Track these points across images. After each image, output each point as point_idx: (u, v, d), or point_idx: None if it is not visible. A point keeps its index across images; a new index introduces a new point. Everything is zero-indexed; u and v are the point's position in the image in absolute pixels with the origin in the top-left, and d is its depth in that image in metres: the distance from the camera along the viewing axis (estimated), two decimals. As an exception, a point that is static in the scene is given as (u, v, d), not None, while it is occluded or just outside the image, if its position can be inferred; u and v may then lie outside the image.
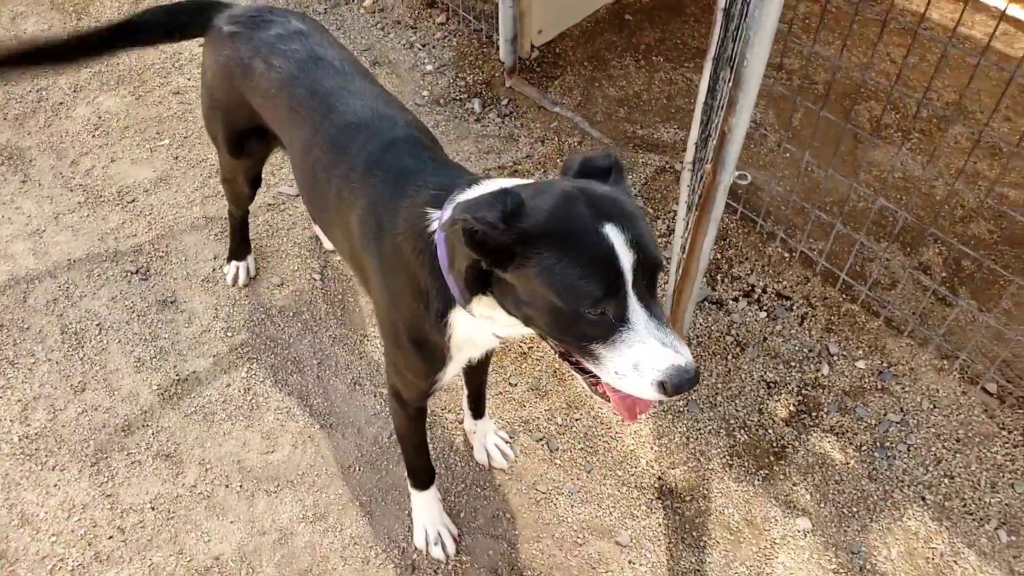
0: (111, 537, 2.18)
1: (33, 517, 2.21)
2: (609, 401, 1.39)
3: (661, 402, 2.41)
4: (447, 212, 1.43)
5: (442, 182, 1.54)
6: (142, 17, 2.08)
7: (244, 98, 2.00)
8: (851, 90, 3.23)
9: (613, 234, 1.23)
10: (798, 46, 3.28)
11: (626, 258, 1.23)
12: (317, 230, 2.81)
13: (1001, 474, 2.30)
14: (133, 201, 2.95)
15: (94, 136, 3.17)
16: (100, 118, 3.23)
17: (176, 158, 3.10)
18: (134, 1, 3.74)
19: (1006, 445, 2.35)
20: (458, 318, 1.52)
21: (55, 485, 2.27)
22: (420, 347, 1.63)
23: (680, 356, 1.24)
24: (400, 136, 1.74)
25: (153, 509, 2.23)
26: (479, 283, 1.35)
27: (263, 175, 2.42)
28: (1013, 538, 2.19)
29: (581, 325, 1.26)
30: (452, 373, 1.73)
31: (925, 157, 3.00)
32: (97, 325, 2.61)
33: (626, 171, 1.50)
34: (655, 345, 1.24)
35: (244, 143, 2.15)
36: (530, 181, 1.42)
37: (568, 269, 1.22)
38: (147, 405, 2.43)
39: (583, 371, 1.37)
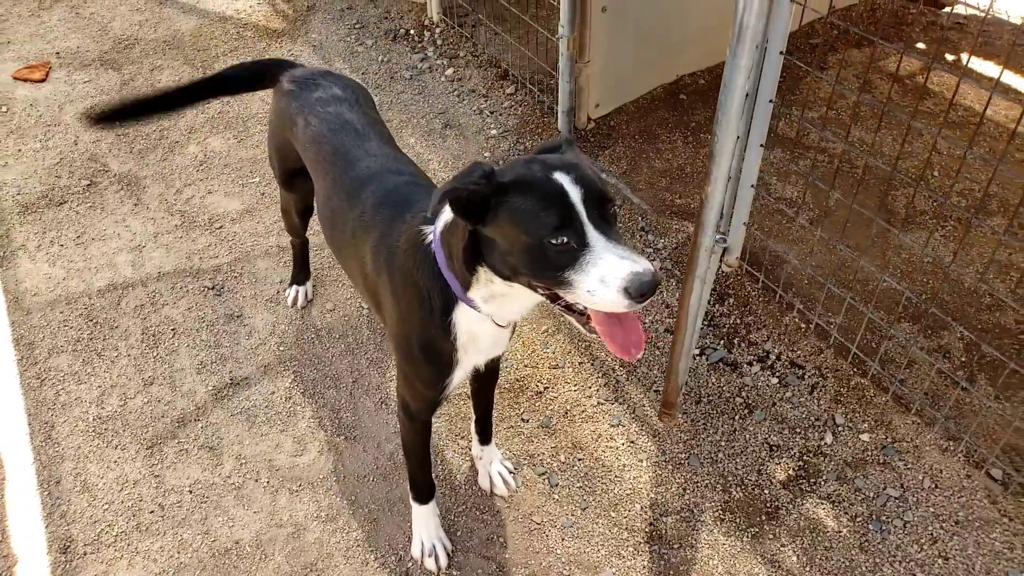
0: (152, 512, 2.45)
1: (93, 486, 2.51)
2: (599, 337, 1.54)
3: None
4: (439, 225, 1.68)
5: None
6: (229, 72, 2.49)
7: (291, 145, 2.34)
8: (891, 178, 3.29)
9: (561, 178, 1.47)
10: (830, 131, 3.39)
11: (575, 193, 1.45)
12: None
13: (997, 561, 2.24)
14: (220, 228, 3.35)
15: (198, 170, 3.62)
16: (206, 156, 3.69)
17: (263, 194, 3.49)
18: (252, 60, 4.26)
19: (1006, 532, 2.29)
20: (460, 316, 1.73)
21: (115, 461, 2.57)
22: (428, 354, 1.83)
23: (637, 264, 1.40)
24: (403, 181, 2.01)
25: (191, 492, 2.49)
26: (473, 257, 1.59)
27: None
28: (1003, 627, 2.13)
29: (550, 255, 1.45)
30: (458, 380, 1.91)
31: (957, 245, 3.01)
32: (172, 330, 2.96)
33: (575, 144, 1.72)
34: (614, 259, 1.42)
35: (293, 179, 2.48)
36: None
37: (529, 207, 1.45)
38: (201, 402, 2.73)
39: (573, 311, 1.55)
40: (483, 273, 1.63)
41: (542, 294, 1.57)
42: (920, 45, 4.08)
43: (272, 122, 2.46)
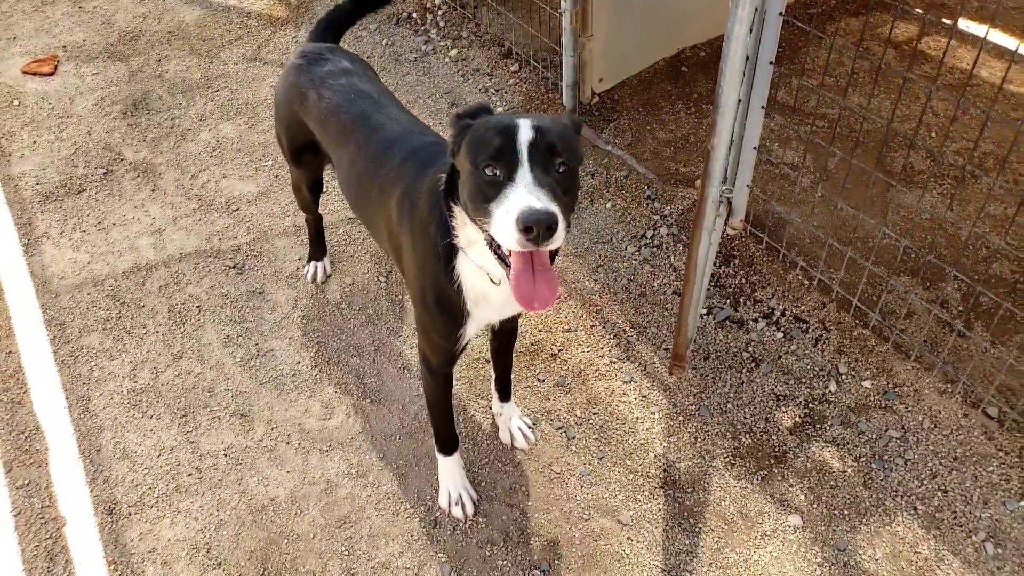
0: (190, 475, 2.67)
1: (132, 453, 2.74)
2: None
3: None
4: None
5: None
6: None
7: (301, 118, 2.54)
8: (889, 139, 3.50)
9: (521, 122, 1.64)
10: (830, 95, 3.60)
11: (525, 135, 1.61)
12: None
13: (994, 492, 2.46)
14: (237, 210, 3.57)
15: (212, 156, 3.84)
16: (219, 142, 3.91)
17: (276, 177, 3.71)
18: (257, 48, 4.48)
19: (1002, 466, 2.51)
20: (462, 264, 1.93)
21: (151, 430, 2.80)
22: (441, 305, 2.04)
23: (539, 203, 1.52)
24: (428, 141, 2.22)
25: (226, 456, 2.72)
26: (450, 189, 1.82)
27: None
28: (999, 551, 2.34)
29: (481, 185, 1.63)
30: (471, 333, 2.12)
31: (955, 202, 3.22)
32: (197, 307, 3.18)
33: (580, 125, 1.85)
34: (522, 193, 1.56)
35: (301, 155, 2.69)
36: None
37: (480, 136, 1.66)
38: (230, 373, 2.95)
39: (505, 262, 1.71)
40: (458, 213, 1.83)
41: (488, 245, 1.73)
42: (917, 11, 4.29)
43: (279, 99, 2.64)
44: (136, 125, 4.03)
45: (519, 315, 2.35)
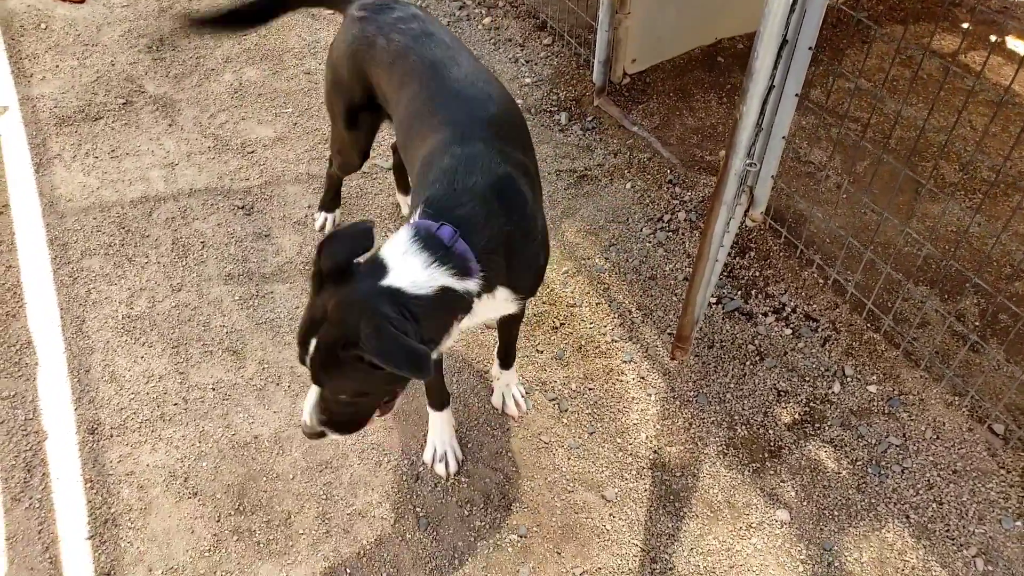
0: (176, 404, 2.69)
1: (120, 377, 2.76)
2: None
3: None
4: (443, 228, 1.90)
5: (448, 199, 1.95)
6: None
7: (364, 72, 2.47)
8: (922, 148, 3.48)
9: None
10: (873, 101, 3.58)
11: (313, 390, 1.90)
12: (399, 198, 3.33)
13: (991, 509, 2.44)
14: (252, 152, 3.59)
15: (232, 98, 3.86)
16: (241, 84, 3.93)
17: (295, 124, 3.73)
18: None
19: (1002, 483, 2.49)
20: None
21: (142, 357, 2.82)
22: None
23: (303, 419, 1.97)
24: (480, 117, 2.13)
25: (214, 390, 2.74)
26: None
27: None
28: (990, 568, 2.33)
29: None
30: (465, 324, 2.10)
31: (982, 216, 3.20)
32: (201, 243, 3.21)
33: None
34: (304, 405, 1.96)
35: (357, 116, 2.62)
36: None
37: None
38: (227, 310, 2.97)
39: None
40: None
41: None
42: (964, 25, 4.26)
43: (338, 55, 2.54)
44: (160, 60, 4.07)
45: (522, 308, 2.33)
